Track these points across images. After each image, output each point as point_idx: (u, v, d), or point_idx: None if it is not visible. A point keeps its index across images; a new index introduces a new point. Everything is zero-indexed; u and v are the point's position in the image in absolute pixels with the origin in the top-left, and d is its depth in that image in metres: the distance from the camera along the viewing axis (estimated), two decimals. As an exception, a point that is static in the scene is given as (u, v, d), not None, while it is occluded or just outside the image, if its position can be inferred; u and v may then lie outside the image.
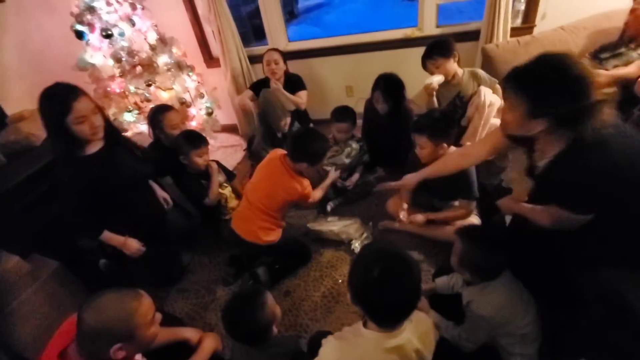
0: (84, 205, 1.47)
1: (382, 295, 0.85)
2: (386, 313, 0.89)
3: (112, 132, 1.56)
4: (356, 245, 1.94)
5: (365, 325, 0.94)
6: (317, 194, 1.83)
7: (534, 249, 1.32)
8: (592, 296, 1.19)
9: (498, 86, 1.98)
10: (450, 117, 1.69)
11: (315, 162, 1.66)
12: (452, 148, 1.71)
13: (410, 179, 1.67)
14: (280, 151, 1.78)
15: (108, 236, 1.55)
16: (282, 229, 1.83)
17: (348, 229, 1.98)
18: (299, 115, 2.70)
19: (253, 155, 2.41)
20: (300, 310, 1.68)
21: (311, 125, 2.88)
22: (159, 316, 1.04)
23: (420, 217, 1.81)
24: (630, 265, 1.11)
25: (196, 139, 1.94)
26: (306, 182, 1.72)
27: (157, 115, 2.05)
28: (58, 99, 1.36)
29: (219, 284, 1.89)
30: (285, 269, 1.87)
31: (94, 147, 1.48)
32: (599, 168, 0.96)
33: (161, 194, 1.88)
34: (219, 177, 2.10)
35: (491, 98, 1.87)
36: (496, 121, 1.98)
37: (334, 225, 2.00)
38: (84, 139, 1.43)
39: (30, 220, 1.59)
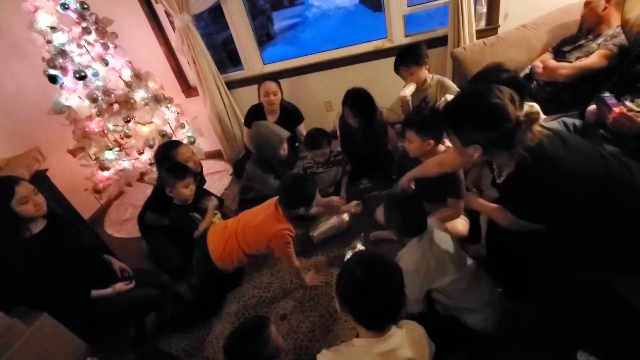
0: (52, 281, 1.57)
1: (366, 297, 0.90)
2: (372, 315, 0.93)
3: (53, 210, 1.73)
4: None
5: (357, 337, 0.98)
6: (295, 260, 1.76)
7: (517, 245, 1.34)
8: (581, 285, 1.20)
9: None
10: (434, 115, 1.74)
11: (310, 203, 1.70)
12: (441, 147, 1.76)
13: (403, 181, 1.80)
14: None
15: (97, 293, 1.69)
16: (235, 267, 1.78)
17: (342, 217, 2.11)
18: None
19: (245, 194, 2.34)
20: (298, 332, 1.65)
21: (297, 144, 2.90)
22: None
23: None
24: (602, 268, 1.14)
25: (180, 171, 1.94)
26: (291, 228, 1.69)
27: (169, 151, 2.09)
28: (1, 186, 1.53)
29: (215, 316, 1.84)
30: (177, 321, 1.81)
31: (38, 226, 1.63)
32: (542, 184, 1.03)
33: (118, 265, 1.89)
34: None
35: None
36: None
37: (331, 220, 2.08)
38: (29, 218, 1.58)
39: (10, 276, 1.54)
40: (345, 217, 2.12)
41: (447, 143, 2.05)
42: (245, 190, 2.36)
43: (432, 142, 1.68)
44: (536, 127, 1.02)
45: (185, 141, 2.87)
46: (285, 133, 2.21)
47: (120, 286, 1.76)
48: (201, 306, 1.83)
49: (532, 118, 1.01)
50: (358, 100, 2.14)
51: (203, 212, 2.05)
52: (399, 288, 0.93)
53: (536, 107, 1.90)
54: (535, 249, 1.24)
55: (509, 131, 1.00)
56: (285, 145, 2.20)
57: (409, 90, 2.05)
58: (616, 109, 1.44)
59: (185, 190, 1.94)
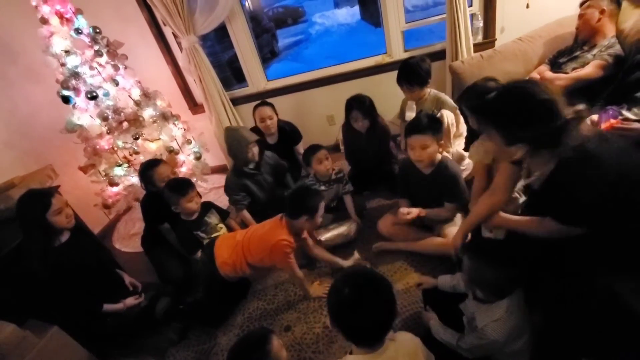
0: (70, 292, 1.65)
1: (354, 313, 0.89)
2: (361, 332, 0.92)
3: (77, 222, 1.82)
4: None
5: (350, 353, 0.96)
6: (298, 271, 1.77)
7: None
8: (585, 290, 1.19)
9: (458, 111, 2.09)
10: (435, 117, 1.81)
11: (313, 213, 1.70)
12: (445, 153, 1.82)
13: (457, 241, 1.54)
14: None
15: (109, 307, 1.74)
16: (238, 276, 1.83)
17: (350, 227, 2.13)
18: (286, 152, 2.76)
19: (229, 191, 2.34)
20: (302, 344, 1.65)
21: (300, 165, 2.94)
22: None
23: (415, 211, 1.85)
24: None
25: (182, 187, 1.97)
26: (291, 240, 1.70)
27: (147, 171, 2.10)
28: (39, 197, 1.63)
29: (219, 327, 1.86)
30: (187, 315, 1.88)
31: (64, 237, 1.72)
32: (587, 183, 0.98)
33: (129, 279, 1.97)
34: (212, 219, 2.14)
35: (451, 121, 2.05)
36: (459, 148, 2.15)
37: (339, 228, 2.12)
38: (60, 229, 1.68)
39: (22, 288, 1.60)
40: (353, 226, 2.14)
41: (455, 147, 2.10)
42: (234, 199, 2.36)
43: (442, 141, 1.74)
44: (584, 127, 0.98)
45: (191, 157, 2.95)
46: (252, 137, 2.23)
47: (131, 301, 1.82)
48: (207, 310, 1.87)
49: (580, 115, 0.97)
50: (363, 103, 2.25)
51: (208, 227, 2.09)
52: (388, 305, 0.91)
53: None
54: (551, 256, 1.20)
55: (558, 129, 0.95)
56: (254, 149, 2.22)
57: (414, 114, 2.14)
58: (604, 124, 1.43)
59: (191, 204, 1.98)
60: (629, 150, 1.05)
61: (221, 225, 2.18)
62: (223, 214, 2.25)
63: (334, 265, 1.99)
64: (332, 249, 2.10)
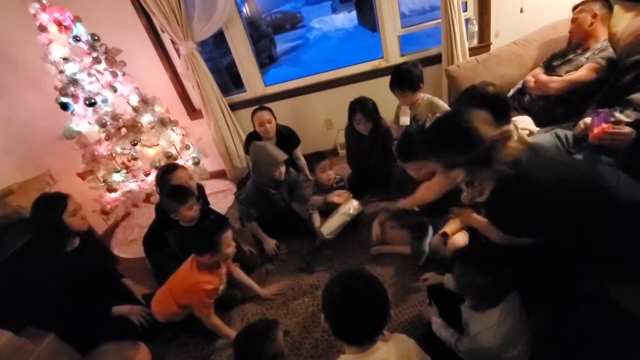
0: (77, 297, 1.65)
1: (345, 311, 0.93)
2: (351, 329, 0.95)
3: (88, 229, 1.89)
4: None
5: (344, 354, 0.98)
6: (213, 317, 1.69)
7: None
8: (581, 294, 1.20)
9: None
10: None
11: (216, 249, 1.64)
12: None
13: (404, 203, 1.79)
14: None
15: (116, 310, 1.76)
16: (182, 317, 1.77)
17: (353, 203, 2.16)
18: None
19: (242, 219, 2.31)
20: (301, 348, 1.65)
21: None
22: None
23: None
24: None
25: (182, 194, 1.96)
26: (208, 278, 1.65)
27: (166, 175, 2.13)
28: (56, 199, 1.70)
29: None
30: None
31: (75, 242, 1.77)
32: (521, 199, 1.07)
33: (138, 290, 1.99)
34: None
35: None
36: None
37: (337, 212, 2.13)
38: (74, 231, 1.73)
39: (22, 294, 1.60)
40: (351, 202, 2.15)
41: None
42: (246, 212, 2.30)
43: None
44: (511, 144, 1.05)
45: (189, 162, 2.95)
46: (282, 156, 2.14)
47: (137, 310, 1.79)
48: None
49: (505, 136, 1.06)
50: (366, 105, 2.25)
51: None
52: (379, 303, 0.94)
53: (527, 119, 1.95)
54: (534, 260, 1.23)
55: (485, 151, 1.04)
56: (282, 169, 2.14)
57: (408, 119, 2.14)
58: (596, 128, 1.42)
59: (190, 212, 1.98)
60: (560, 164, 1.13)
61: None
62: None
63: (252, 290, 1.95)
64: (341, 234, 2.13)
